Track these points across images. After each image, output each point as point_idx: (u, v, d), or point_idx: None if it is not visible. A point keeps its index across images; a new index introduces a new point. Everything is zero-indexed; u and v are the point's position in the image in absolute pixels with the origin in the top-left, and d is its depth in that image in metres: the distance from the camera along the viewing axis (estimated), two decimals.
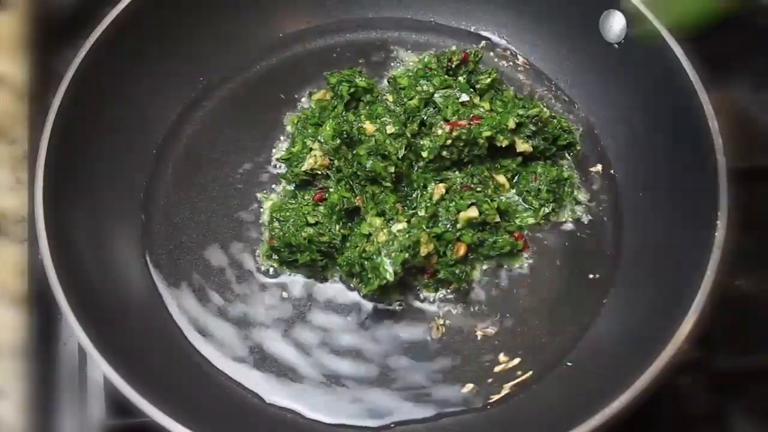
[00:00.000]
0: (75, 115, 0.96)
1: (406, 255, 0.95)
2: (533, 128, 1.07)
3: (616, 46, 1.07)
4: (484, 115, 1.05)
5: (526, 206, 1.08)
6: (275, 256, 1.03)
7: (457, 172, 1.06)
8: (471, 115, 1.05)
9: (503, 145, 1.06)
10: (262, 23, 1.19)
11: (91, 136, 1.00)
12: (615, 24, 1.06)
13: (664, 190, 1.03)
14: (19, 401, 0.99)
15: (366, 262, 0.97)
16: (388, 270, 0.95)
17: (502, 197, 1.07)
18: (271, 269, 1.03)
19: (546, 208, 1.07)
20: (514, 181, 1.09)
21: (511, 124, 1.05)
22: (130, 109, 1.06)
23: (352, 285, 1.02)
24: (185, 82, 1.14)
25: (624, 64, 1.07)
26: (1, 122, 1.17)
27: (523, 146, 1.07)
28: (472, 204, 1.01)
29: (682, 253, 0.94)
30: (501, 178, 1.08)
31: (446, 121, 1.04)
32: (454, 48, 1.15)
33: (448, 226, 1.01)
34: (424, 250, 0.97)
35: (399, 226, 0.98)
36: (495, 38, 1.22)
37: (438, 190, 1.03)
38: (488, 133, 1.04)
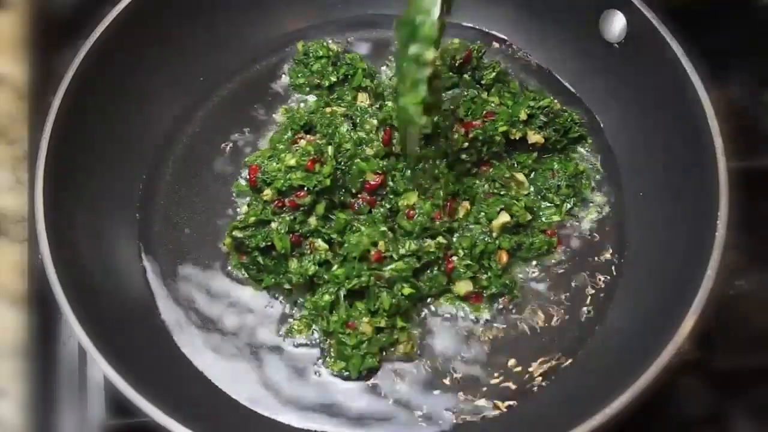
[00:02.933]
0: (75, 115, 0.96)
1: (377, 360, 0.96)
2: (544, 119, 1.07)
3: (616, 46, 1.07)
4: (496, 110, 1.05)
5: (547, 203, 1.07)
6: (243, 272, 1.02)
7: (477, 181, 1.05)
8: (484, 112, 1.05)
9: (516, 138, 1.05)
10: (262, 23, 1.19)
11: (91, 136, 1.00)
12: (615, 24, 1.06)
13: (664, 190, 1.03)
14: (19, 401, 1.00)
15: (338, 346, 0.96)
16: (355, 370, 0.95)
17: (525, 195, 1.06)
18: None
19: (568, 204, 1.07)
20: (531, 177, 1.09)
21: (523, 116, 1.05)
22: (129, 109, 1.06)
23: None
24: (185, 82, 1.14)
25: (624, 64, 1.07)
26: (1, 122, 1.17)
27: (534, 137, 1.07)
28: (502, 209, 1.00)
29: (682, 254, 0.94)
30: (520, 176, 1.07)
31: (460, 121, 1.04)
32: (456, 41, 1.15)
33: (485, 238, 1.00)
34: (401, 349, 0.97)
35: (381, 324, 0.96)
36: (495, 34, 1.21)
37: (464, 207, 1.02)
38: (504, 128, 1.04)
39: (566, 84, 1.17)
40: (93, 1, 1.09)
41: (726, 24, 1.23)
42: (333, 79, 1.14)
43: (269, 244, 0.98)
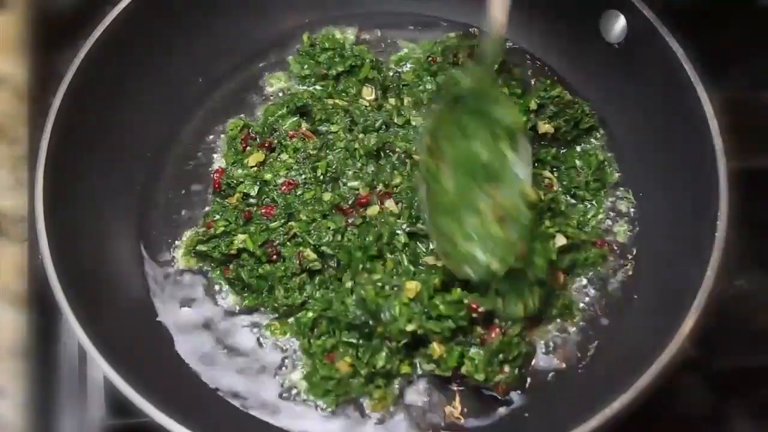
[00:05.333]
0: (75, 115, 0.96)
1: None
2: (554, 109, 1.06)
3: (616, 46, 1.07)
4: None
5: (574, 201, 1.06)
6: (228, 287, 1.00)
7: None
8: None
9: (527, 127, 1.04)
10: (261, 22, 1.19)
11: (91, 136, 1.00)
12: (615, 24, 1.06)
13: (665, 190, 1.03)
14: (19, 401, 1.00)
15: (312, 371, 0.93)
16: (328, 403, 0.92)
17: (551, 195, 1.03)
18: None
19: (600, 197, 1.06)
20: (556, 175, 1.07)
21: (533, 105, 1.05)
22: (129, 108, 1.06)
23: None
24: (185, 82, 1.14)
25: (624, 65, 1.07)
26: (1, 122, 1.17)
27: (544, 127, 1.06)
28: (558, 232, 0.97)
29: (682, 254, 0.94)
30: (547, 173, 1.06)
31: None
32: (452, 34, 1.14)
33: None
34: (370, 406, 0.93)
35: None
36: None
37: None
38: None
39: (566, 84, 1.17)
40: (93, 1, 1.10)
41: (726, 24, 1.23)
42: (340, 68, 1.13)
43: (234, 251, 0.97)
